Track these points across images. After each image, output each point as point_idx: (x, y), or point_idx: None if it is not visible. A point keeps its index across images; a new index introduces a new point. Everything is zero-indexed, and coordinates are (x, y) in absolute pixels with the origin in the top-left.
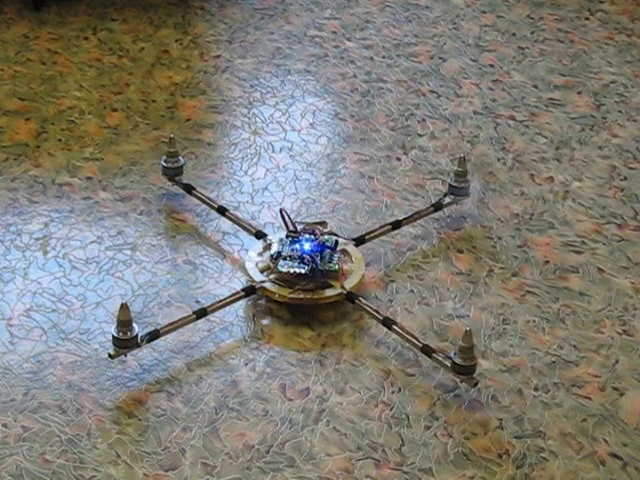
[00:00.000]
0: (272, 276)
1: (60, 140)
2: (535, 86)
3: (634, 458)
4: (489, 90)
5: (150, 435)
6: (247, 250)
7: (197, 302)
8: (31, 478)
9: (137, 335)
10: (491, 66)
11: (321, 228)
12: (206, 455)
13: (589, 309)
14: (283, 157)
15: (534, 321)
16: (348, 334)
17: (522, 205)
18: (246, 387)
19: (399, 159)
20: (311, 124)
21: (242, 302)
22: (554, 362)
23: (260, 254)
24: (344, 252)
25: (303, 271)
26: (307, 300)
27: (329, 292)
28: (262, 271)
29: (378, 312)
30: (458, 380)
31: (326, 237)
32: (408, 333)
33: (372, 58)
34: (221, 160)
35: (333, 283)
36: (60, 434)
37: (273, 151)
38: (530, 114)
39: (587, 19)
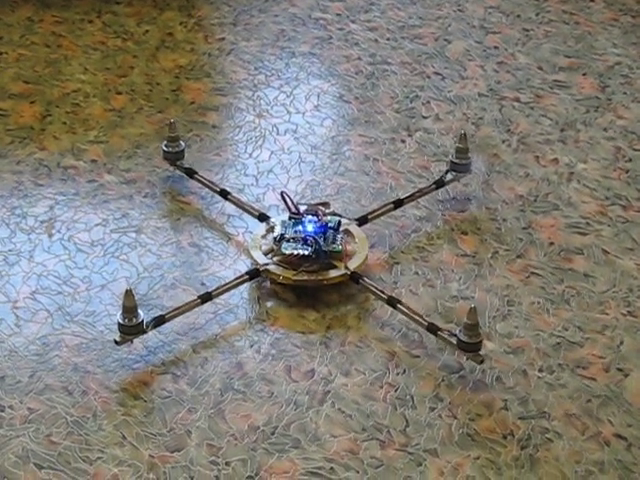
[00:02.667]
0: (276, 258)
1: (65, 123)
2: (540, 68)
3: (639, 439)
4: (494, 72)
5: (156, 416)
6: (251, 232)
7: (202, 284)
8: (37, 459)
9: (143, 321)
10: (496, 48)
11: (323, 209)
12: (211, 436)
13: (594, 290)
14: (288, 139)
15: (539, 302)
16: (353, 316)
17: (527, 187)
18: (251, 369)
19: (404, 141)
20: (316, 106)
21: (247, 284)
22: (559, 343)
23: (263, 236)
24: (347, 232)
25: (307, 252)
26: (311, 281)
27: (333, 273)
28: (266, 253)
29: (383, 292)
30: (464, 358)
31: (329, 218)
32: (413, 312)
33: (377, 40)
34: (226, 143)
35: (337, 264)
36: (66, 416)
37: (278, 133)
38: (535, 96)
39: (592, 1)
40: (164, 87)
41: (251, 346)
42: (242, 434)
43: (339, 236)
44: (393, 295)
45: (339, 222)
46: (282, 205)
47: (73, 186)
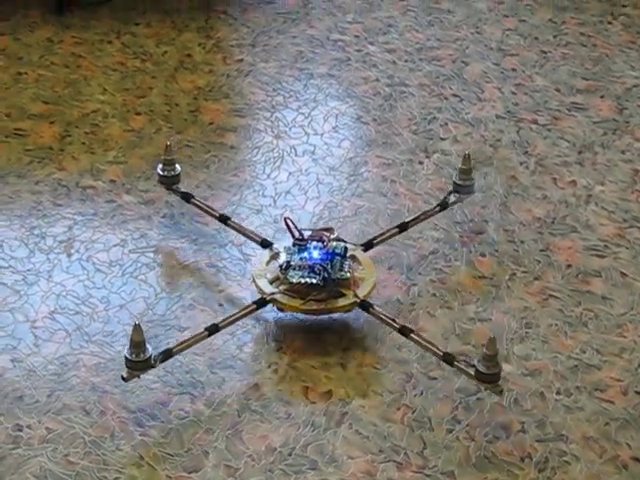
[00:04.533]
0: (282, 287)
1: (84, 143)
2: (557, 90)
3: None
4: (511, 94)
5: (173, 437)
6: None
7: (220, 305)
8: (55, 479)
9: (151, 356)
10: (513, 70)
11: (328, 234)
12: (229, 457)
13: (612, 313)
14: (306, 160)
15: (556, 325)
16: (370, 338)
17: (544, 209)
18: (268, 390)
19: (421, 163)
20: (333, 128)
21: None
22: (576, 366)
23: (267, 263)
24: (353, 258)
25: (315, 281)
26: (320, 310)
27: (342, 301)
28: (272, 282)
29: (394, 320)
30: (482, 388)
31: (334, 244)
32: (427, 341)
33: (394, 62)
34: (244, 164)
35: (345, 292)
36: (84, 436)
37: (296, 155)
38: (552, 118)
39: (610, 23)
40: (182, 108)
41: (268, 367)
42: (259, 455)
43: (346, 263)
44: (405, 324)
45: (345, 248)
46: (300, 224)
47: (92, 206)
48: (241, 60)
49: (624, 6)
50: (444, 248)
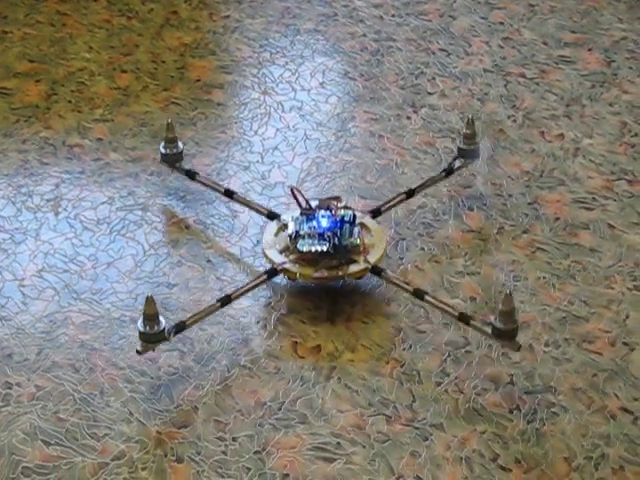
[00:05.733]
0: (292, 256)
1: (70, 102)
2: (545, 43)
3: None
4: (499, 48)
5: (162, 393)
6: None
7: (208, 261)
8: (45, 436)
9: (165, 329)
10: (501, 24)
11: (336, 203)
12: (218, 412)
13: (600, 265)
14: (293, 117)
15: (544, 277)
16: (358, 292)
17: (532, 162)
18: (257, 345)
19: (409, 117)
20: (321, 83)
21: (252, 261)
22: (564, 318)
23: (276, 234)
24: (362, 225)
25: (325, 248)
26: (332, 278)
27: (354, 267)
28: (281, 252)
29: (408, 283)
30: (500, 346)
31: (342, 212)
32: (443, 302)
33: (381, 17)
34: (231, 120)
35: (356, 258)
36: (73, 393)
37: (283, 111)
38: (540, 71)
39: None
40: (169, 65)
41: (257, 322)
42: (249, 410)
43: (356, 229)
44: (419, 287)
45: (354, 215)
46: (288, 181)
47: (79, 165)
48: (227, 16)
49: None
50: (432, 202)
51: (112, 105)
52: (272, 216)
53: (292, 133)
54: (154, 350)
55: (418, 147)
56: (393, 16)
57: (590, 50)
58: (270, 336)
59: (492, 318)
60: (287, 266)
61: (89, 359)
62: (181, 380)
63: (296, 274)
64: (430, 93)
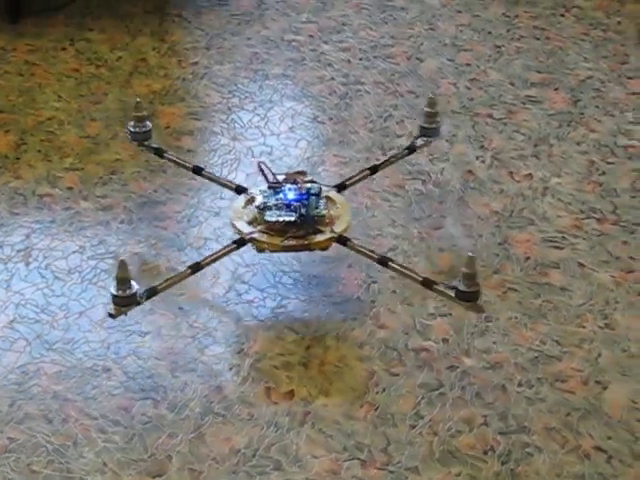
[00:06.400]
0: (260, 227)
1: (40, 151)
2: (512, 84)
3: (618, 451)
4: (466, 89)
5: (136, 442)
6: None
7: (180, 308)
8: None
9: (136, 292)
10: (468, 65)
11: (301, 177)
12: (192, 460)
13: (571, 304)
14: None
15: (516, 317)
16: (331, 336)
17: (502, 202)
18: (231, 392)
19: (378, 160)
20: (290, 128)
21: (224, 307)
22: (537, 357)
23: (244, 207)
24: (328, 199)
25: (292, 219)
26: (299, 247)
27: (320, 237)
28: (250, 223)
29: (373, 252)
30: (463, 308)
31: (308, 185)
32: (406, 268)
33: (349, 60)
34: (201, 166)
35: (322, 228)
36: (46, 444)
37: (253, 156)
38: (508, 112)
39: (562, 16)
40: None
41: (230, 369)
42: (223, 457)
43: (322, 201)
44: (383, 255)
45: (320, 188)
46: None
47: (49, 214)
48: (196, 63)
49: None
50: (403, 244)
51: (82, 154)
52: (240, 190)
53: (262, 178)
54: (126, 314)
55: (388, 190)
56: (361, 59)
57: (556, 90)
58: (243, 382)
59: (456, 281)
60: (255, 236)
61: (62, 410)
62: (155, 429)
63: (264, 244)
64: (399, 135)
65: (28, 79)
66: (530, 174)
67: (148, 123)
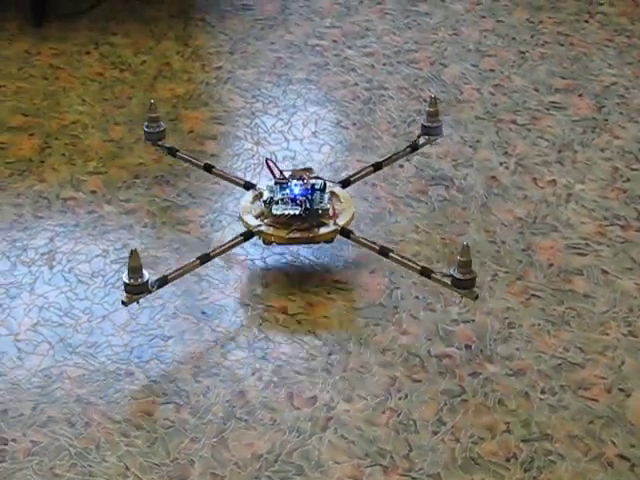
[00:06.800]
0: (267, 220)
1: (64, 155)
2: (536, 89)
3: None
4: (490, 95)
5: (159, 447)
6: (251, 261)
7: (203, 313)
8: None
9: (148, 281)
10: (492, 71)
11: (308, 173)
12: (215, 465)
13: (594, 311)
14: (286, 166)
15: (539, 324)
16: (354, 342)
17: (525, 209)
18: (253, 397)
19: (402, 166)
20: (313, 133)
21: (247, 312)
22: (560, 365)
23: (252, 202)
24: (332, 194)
25: (297, 212)
26: (304, 239)
27: (324, 229)
28: (257, 217)
29: (374, 243)
30: (459, 295)
31: (313, 181)
32: (405, 258)
33: (373, 66)
34: (224, 171)
35: (326, 221)
36: (69, 447)
37: (276, 161)
38: (532, 118)
39: (586, 22)
40: (162, 117)
41: (253, 374)
42: (245, 462)
43: (326, 196)
44: (384, 245)
45: (324, 184)
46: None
47: (73, 218)
48: (220, 67)
49: (600, 4)
50: (426, 250)
51: (106, 157)
52: (248, 186)
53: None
54: (138, 302)
55: (411, 195)
56: (384, 65)
57: (581, 96)
58: (266, 387)
59: (451, 270)
60: (262, 229)
61: (85, 413)
62: (177, 433)
63: (271, 236)
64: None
65: (52, 83)
66: (554, 180)
67: (162, 123)
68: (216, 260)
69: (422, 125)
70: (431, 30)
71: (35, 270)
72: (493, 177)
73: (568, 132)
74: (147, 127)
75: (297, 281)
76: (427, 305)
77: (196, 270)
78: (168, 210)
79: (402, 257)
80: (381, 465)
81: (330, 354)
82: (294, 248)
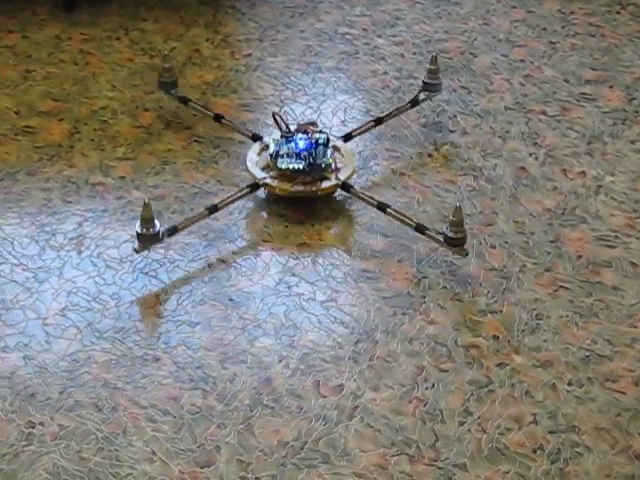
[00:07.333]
0: (272, 173)
1: (93, 140)
2: (566, 80)
3: None
4: (520, 85)
5: (185, 432)
6: (279, 249)
7: (230, 300)
8: (68, 476)
9: (159, 231)
10: (522, 61)
11: (312, 127)
12: (241, 452)
13: (622, 303)
14: None
15: (567, 316)
16: (381, 331)
17: (554, 200)
18: (280, 384)
19: (430, 155)
20: (342, 121)
21: (274, 299)
22: (588, 357)
23: (258, 154)
24: (335, 148)
25: (301, 166)
26: (307, 192)
27: (326, 183)
28: (263, 169)
29: (372, 198)
30: (451, 252)
31: (317, 135)
32: (402, 214)
33: (403, 55)
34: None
35: (328, 175)
36: (96, 432)
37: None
38: (562, 109)
39: (618, 13)
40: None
41: (280, 361)
42: (271, 449)
43: (329, 151)
44: (382, 201)
45: (327, 138)
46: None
47: (102, 203)
48: (249, 55)
49: None
50: None
51: (135, 143)
52: (256, 138)
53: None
54: (149, 250)
55: (440, 185)
56: (414, 54)
57: (611, 87)
58: (293, 375)
59: (444, 228)
60: (267, 181)
61: (112, 398)
62: (204, 419)
63: (275, 188)
64: (452, 131)
65: (82, 68)
66: (583, 172)
67: (174, 73)
68: (244, 247)
69: (423, 81)
70: (461, 20)
71: (64, 255)
72: (522, 168)
73: (598, 123)
74: (161, 76)
75: (324, 269)
76: (455, 295)
77: (223, 257)
78: (196, 197)
79: (398, 213)
80: (407, 454)
81: (357, 343)
82: (323, 234)
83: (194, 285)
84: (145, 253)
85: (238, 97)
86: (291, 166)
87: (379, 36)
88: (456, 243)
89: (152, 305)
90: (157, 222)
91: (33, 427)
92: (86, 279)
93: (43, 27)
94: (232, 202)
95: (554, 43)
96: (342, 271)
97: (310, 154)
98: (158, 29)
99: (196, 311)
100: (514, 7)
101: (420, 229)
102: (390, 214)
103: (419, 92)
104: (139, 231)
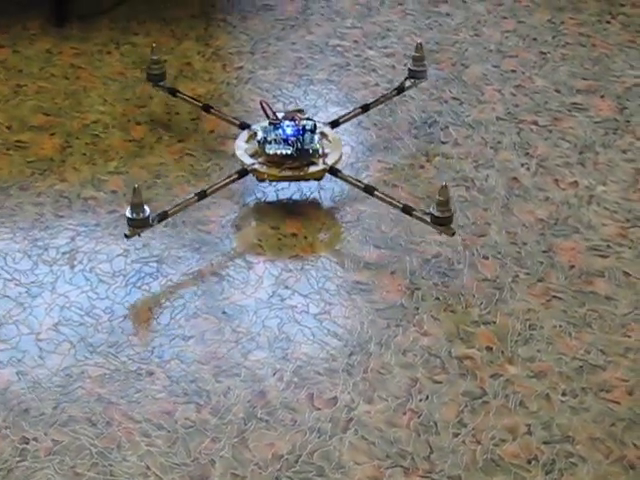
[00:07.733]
0: (261, 159)
1: (85, 154)
2: (557, 91)
3: None
4: (511, 95)
5: (179, 446)
6: (271, 261)
7: (224, 313)
8: None
9: (149, 216)
10: (513, 71)
11: (299, 115)
12: (235, 465)
13: (615, 313)
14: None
15: (561, 326)
16: (374, 343)
17: (547, 210)
18: (274, 397)
19: (422, 167)
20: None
21: (267, 312)
22: (581, 367)
23: (247, 142)
24: (322, 134)
25: (289, 152)
26: (294, 177)
27: (313, 168)
28: (251, 155)
29: (359, 181)
30: (437, 232)
31: (305, 122)
32: (389, 196)
33: (394, 66)
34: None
35: (316, 161)
36: (90, 447)
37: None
38: (553, 119)
39: (608, 22)
40: (183, 117)
41: (274, 374)
42: (266, 463)
43: (316, 137)
44: (368, 184)
45: (315, 125)
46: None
47: (94, 217)
48: (241, 67)
49: (622, 5)
50: (447, 252)
51: (126, 157)
52: (244, 126)
53: (306, 183)
54: (140, 235)
55: (432, 196)
56: (405, 65)
57: (602, 97)
58: (286, 388)
59: (430, 208)
60: (256, 167)
61: (106, 412)
62: (198, 433)
63: (264, 174)
64: (443, 142)
65: (73, 82)
66: (575, 182)
67: (163, 66)
68: (237, 260)
69: (408, 69)
70: (452, 31)
71: (56, 269)
72: (514, 178)
73: (590, 133)
74: (149, 69)
75: (317, 282)
76: (448, 306)
77: (215, 270)
78: (188, 210)
79: (385, 195)
80: (402, 466)
81: (351, 355)
82: (316, 246)
83: (187, 299)
84: (138, 267)
85: (230, 110)
86: (279, 151)
87: (370, 48)
88: (443, 222)
89: (145, 319)
90: (147, 207)
91: (27, 443)
92: (79, 294)
93: (34, 42)
94: (221, 188)
95: (545, 53)
96: (335, 283)
97: (298, 140)
98: (149, 42)
99: (189, 325)
100: (505, 18)
101: (407, 210)
102: (377, 197)
103: (405, 79)
104: (129, 216)
